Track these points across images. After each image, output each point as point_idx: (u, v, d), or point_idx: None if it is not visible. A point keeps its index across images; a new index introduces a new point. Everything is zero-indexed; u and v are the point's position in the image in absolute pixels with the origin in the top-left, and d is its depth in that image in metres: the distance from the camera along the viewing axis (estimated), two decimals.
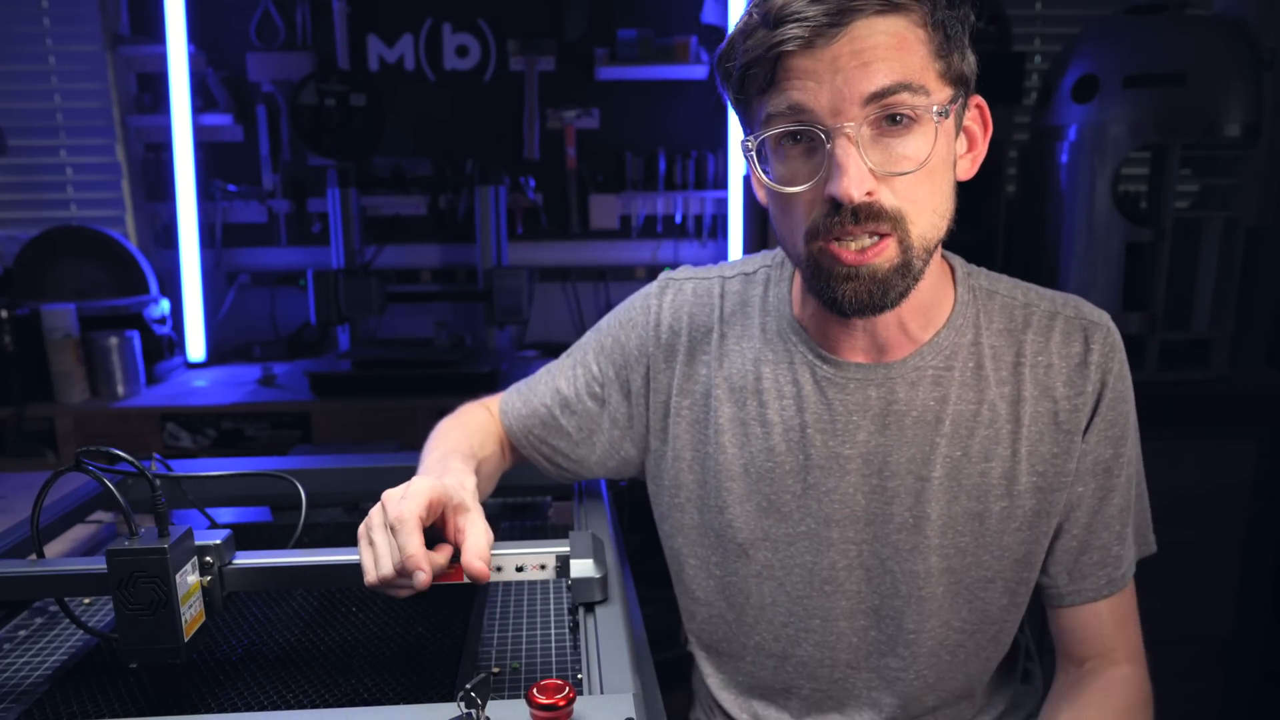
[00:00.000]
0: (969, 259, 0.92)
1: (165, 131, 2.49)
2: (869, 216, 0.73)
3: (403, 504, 0.70)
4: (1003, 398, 0.85)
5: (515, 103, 2.64)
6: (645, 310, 0.98)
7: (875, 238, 0.74)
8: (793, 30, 0.69)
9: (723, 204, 2.68)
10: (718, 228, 2.72)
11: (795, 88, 0.72)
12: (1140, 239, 2.05)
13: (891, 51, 0.70)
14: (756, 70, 0.73)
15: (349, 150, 2.55)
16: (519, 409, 1.03)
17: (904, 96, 0.71)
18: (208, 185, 2.61)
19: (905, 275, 0.76)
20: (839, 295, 0.77)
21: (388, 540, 0.70)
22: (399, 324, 2.69)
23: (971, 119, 0.81)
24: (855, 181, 0.71)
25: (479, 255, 2.49)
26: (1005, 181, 2.29)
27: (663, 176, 2.65)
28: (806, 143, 0.74)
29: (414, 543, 0.68)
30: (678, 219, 2.70)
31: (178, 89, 2.45)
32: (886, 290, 0.76)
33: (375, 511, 0.72)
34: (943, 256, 0.88)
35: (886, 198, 0.73)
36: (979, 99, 0.80)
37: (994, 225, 2.25)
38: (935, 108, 0.72)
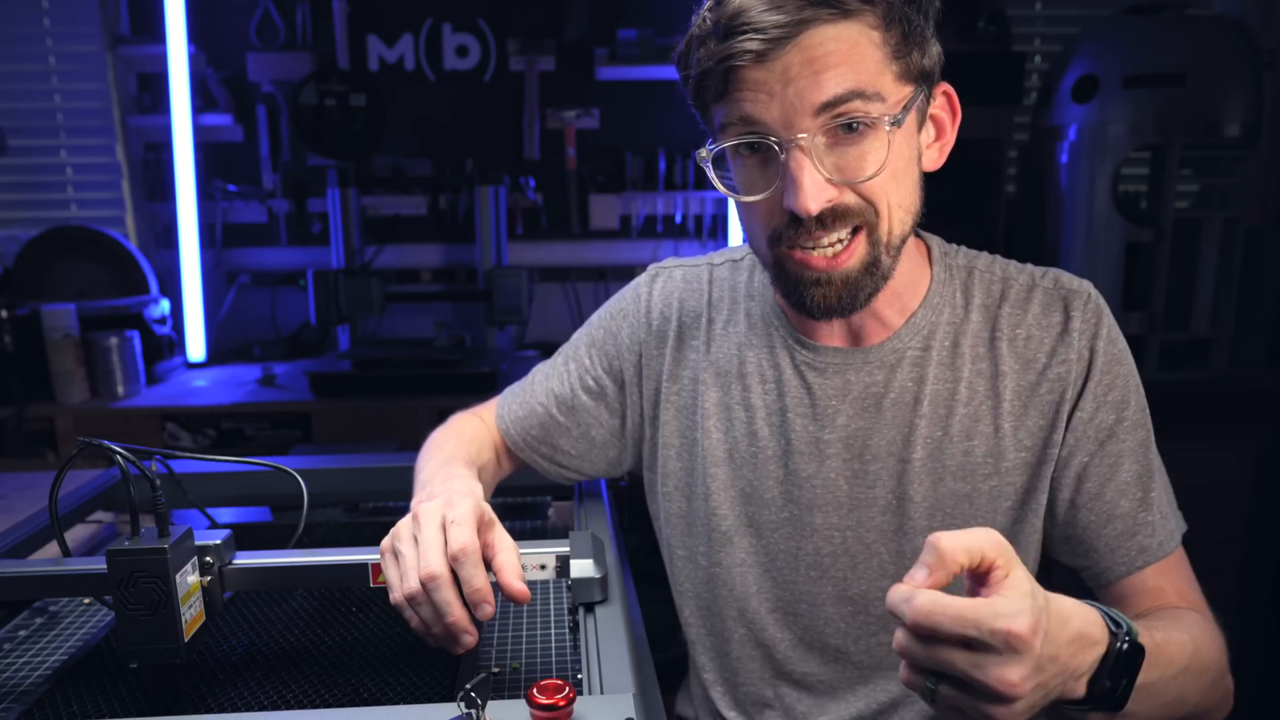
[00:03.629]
0: None
1: (165, 131, 2.49)
2: (835, 219, 0.74)
3: (461, 531, 0.68)
4: (980, 374, 0.84)
5: (515, 103, 2.64)
6: (636, 300, 0.99)
7: (843, 241, 0.75)
8: (743, 44, 0.69)
9: (722, 204, 2.68)
10: (717, 227, 2.72)
11: (747, 99, 0.71)
12: (1140, 239, 2.06)
13: (843, 59, 0.69)
14: (709, 82, 0.73)
15: (349, 150, 2.55)
16: (516, 412, 1.03)
17: (856, 104, 0.70)
18: (208, 185, 2.60)
19: (874, 274, 0.77)
20: (807, 300, 0.78)
21: (414, 553, 0.68)
22: (399, 324, 2.69)
23: (940, 107, 0.79)
24: (811, 195, 0.71)
25: (479, 255, 2.49)
26: (1005, 181, 2.30)
27: (663, 176, 2.65)
28: (763, 152, 0.74)
29: (481, 576, 0.67)
30: (678, 219, 2.70)
31: (178, 89, 2.45)
32: (856, 293, 0.77)
33: (404, 524, 0.71)
34: (918, 236, 0.88)
35: (850, 197, 0.74)
36: (946, 87, 0.79)
37: (994, 225, 2.25)
38: (889, 116, 0.71)
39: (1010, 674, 0.51)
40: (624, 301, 1.00)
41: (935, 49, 0.76)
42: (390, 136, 2.59)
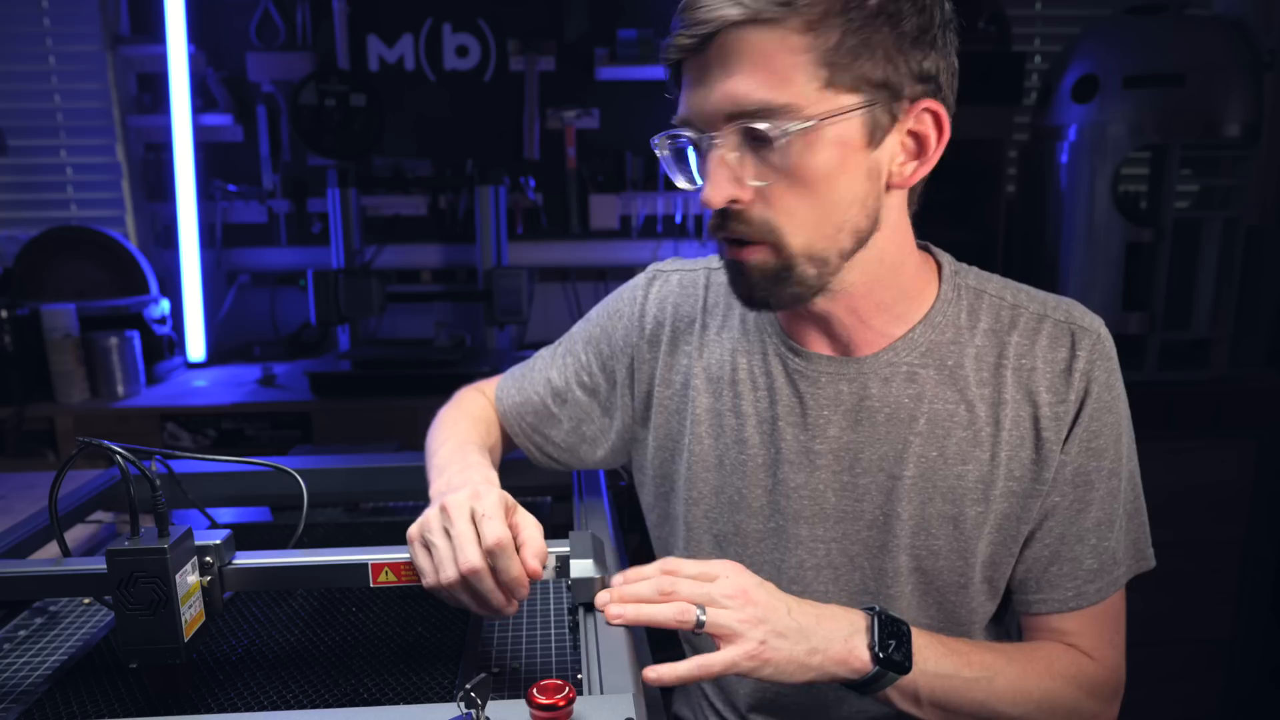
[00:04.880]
0: (969, 259, 0.90)
1: (165, 131, 2.49)
2: (737, 222, 0.75)
3: (494, 524, 0.71)
4: (983, 399, 0.83)
5: (515, 103, 2.64)
6: (632, 301, 0.99)
7: (750, 240, 0.76)
8: (677, 38, 0.72)
9: None
10: None
11: (684, 97, 0.75)
12: (1140, 239, 2.05)
13: (753, 70, 0.70)
14: (670, 74, 0.77)
15: (349, 150, 2.55)
16: (514, 396, 1.04)
17: (761, 117, 0.70)
18: (208, 185, 2.60)
19: (788, 281, 0.77)
20: (732, 287, 0.81)
21: (448, 545, 0.71)
22: (399, 324, 2.69)
23: (923, 124, 0.75)
24: (714, 191, 0.74)
25: (479, 255, 2.49)
26: (1005, 181, 2.29)
27: (663, 176, 2.65)
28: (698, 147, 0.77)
29: (516, 565, 0.71)
30: (678, 219, 2.70)
31: (178, 89, 2.45)
32: (771, 288, 0.78)
33: (433, 515, 0.73)
34: (927, 250, 0.87)
35: (758, 209, 0.75)
36: (932, 104, 0.75)
37: (994, 225, 2.25)
38: (796, 125, 0.70)
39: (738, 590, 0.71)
40: (621, 302, 1.01)
41: (916, 62, 0.72)
42: (390, 136, 2.59)
